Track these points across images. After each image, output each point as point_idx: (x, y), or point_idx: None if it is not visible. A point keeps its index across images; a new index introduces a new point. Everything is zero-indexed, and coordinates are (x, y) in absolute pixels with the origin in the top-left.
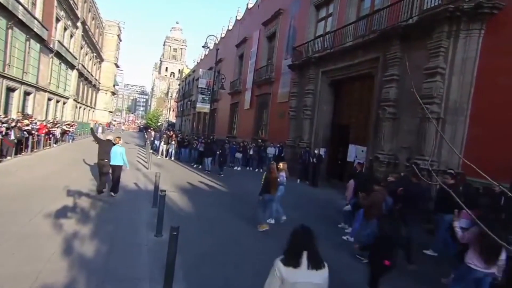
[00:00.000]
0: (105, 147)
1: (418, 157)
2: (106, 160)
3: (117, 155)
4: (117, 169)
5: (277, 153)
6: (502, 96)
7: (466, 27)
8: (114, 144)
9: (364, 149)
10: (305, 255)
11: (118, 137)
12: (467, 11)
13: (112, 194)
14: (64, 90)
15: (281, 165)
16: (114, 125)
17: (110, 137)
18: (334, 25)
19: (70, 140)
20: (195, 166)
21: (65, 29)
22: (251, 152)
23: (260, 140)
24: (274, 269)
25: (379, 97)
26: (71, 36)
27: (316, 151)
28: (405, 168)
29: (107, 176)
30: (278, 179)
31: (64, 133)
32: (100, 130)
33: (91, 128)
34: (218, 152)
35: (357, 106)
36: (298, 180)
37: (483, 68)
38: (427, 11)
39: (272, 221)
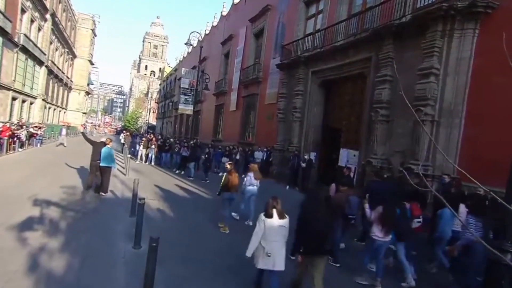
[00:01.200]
0: (98, 148)
1: (412, 161)
2: (98, 161)
3: (107, 156)
4: (107, 171)
5: (265, 158)
6: (497, 97)
7: (461, 26)
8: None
9: (356, 153)
10: (275, 211)
11: (109, 139)
12: (461, 9)
13: (103, 194)
14: (31, 88)
15: (251, 165)
16: (95, 128)
17: (103, 139)
18: (325, 23)
19: (38, 144)
20: (177, 172)
21: (32, 21)
22: (237, 157)
23: (250, 147)
24: (259, 219)
25: (371, 98)
26: (39, 29)
27: (306, 156)
28: (399, 173)
29: (96, 175)
30: (245, 179)
31: (31, 136)
32: (63, 132)
33: (82, 133)
34: (204, 157)
35: (349, 108)
36: (288, 186)
37: (478, 68)
38: (421, 9)
39: (237, 217)
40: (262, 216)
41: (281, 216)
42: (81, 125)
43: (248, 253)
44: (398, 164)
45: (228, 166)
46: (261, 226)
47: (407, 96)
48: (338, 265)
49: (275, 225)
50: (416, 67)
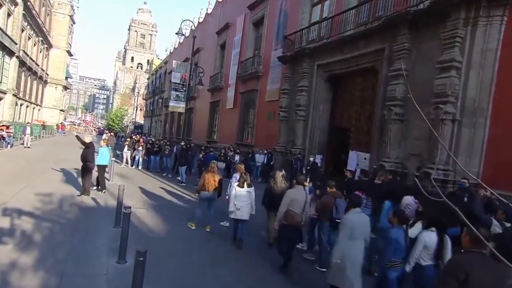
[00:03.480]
0: (90, 149)
1: (431, 165)
2: (88, 163)
3: (105, 155)
4: (102, 168)
5: (265, 161)
6: None
7: (486, 14)
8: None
9: (367, 156)
10: (245, 183)
11: (105, 140)
12: None
13: (103, 191)
14: (0, 82)
15: (237, 166)
16: (94, 130)
17: (90, 138)
18: (332, 10)
19: (8, 146)
20: (181, 178)
21: (0, 5)
22: (236, 159)
23: (250, 150)
24: (232, 187)
25: (384, 95)
26: (9, 15)
27: (310, 158)
28: (415, 178)
29: (90, 177)
30: (230, 181)
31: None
32: (27, 131)
33: (76, 135)
34: (199, 161)
35: (359, 106)
36: None
37: (506, 60)
38: None
39: (227, 224)
40: (235, 185)
41: (249, 186)
42: (62, 126)
43: (236, 208)
44: (414, 168)
45: (212, 165)
46: (233, 192)
47: (425, 92)
48: (323, 269)
49: (244, 192)
50: (435, 59)
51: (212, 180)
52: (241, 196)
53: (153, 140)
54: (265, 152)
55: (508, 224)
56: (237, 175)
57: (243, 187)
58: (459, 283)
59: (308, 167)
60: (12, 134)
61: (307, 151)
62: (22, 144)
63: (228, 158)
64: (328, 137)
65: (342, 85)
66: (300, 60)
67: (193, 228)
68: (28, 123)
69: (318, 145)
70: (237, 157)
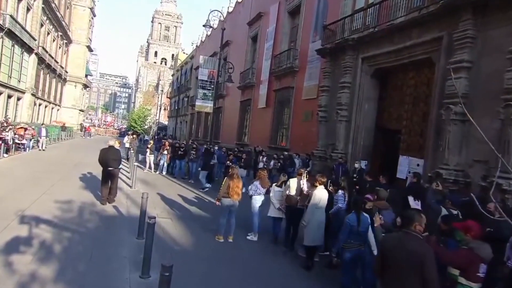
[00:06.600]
0: (111, 154)
1: (499, 174)
2: (111, 169)
3: None
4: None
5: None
6: None
7: None
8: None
9: (421, 162)
10: (274, 185)
11: (119, 141)
12: None
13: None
14: (19, 81)
15: (259, 172)
16: (134, 136)
17: (112, 142)
18: None
19: (27, 149)
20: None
21: None
22: (271, 165)
23: (287, 154)
24: (273, 188)
25: (441, 91)
26: (28, 9)
27: (356, 164)
28: (481, 188)
29: (113, 183)
30: (249, 188)
31: (21, 138)
32: (43, 133)
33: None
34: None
35: (411, 104)
36: None
37: None
38: None
39: (255, 238)
40: (274, 185)
41: (280, 186)
42: (88, 128)
43: (275, 207)
44: (478, 177)
45: (230, 170)
46: (272, 193)
47: (493, 87)
48: None
49: (280, 191)
50: (505, 49)
51: (236, 187)
52: (279, 195)
53: (179, 142)
54: (297, 156)
55: (455, 212)
56: (257, 183)
57: (281, 186)
58: (381, 254)
59: (355, 175)
60: (32, 137)
61: (350, 155)
62: (38, 147)
63: (264, 164)
64: (374, 140)
65: (391, 81)
66: (342, 52)
67: (221, 240)
68: (42, 124)
69: (362, 149)
70: (272, 163)
